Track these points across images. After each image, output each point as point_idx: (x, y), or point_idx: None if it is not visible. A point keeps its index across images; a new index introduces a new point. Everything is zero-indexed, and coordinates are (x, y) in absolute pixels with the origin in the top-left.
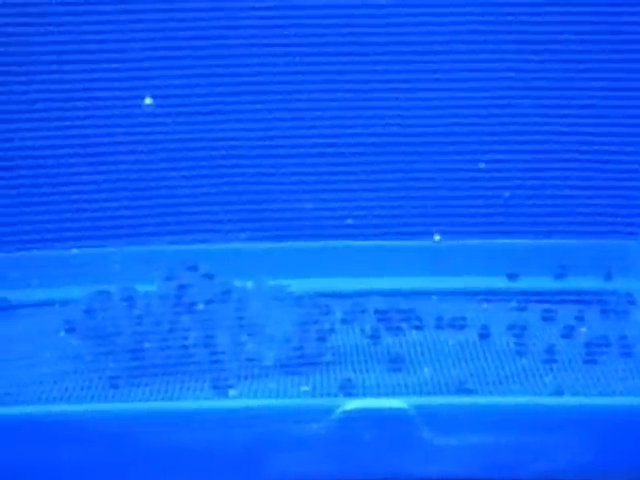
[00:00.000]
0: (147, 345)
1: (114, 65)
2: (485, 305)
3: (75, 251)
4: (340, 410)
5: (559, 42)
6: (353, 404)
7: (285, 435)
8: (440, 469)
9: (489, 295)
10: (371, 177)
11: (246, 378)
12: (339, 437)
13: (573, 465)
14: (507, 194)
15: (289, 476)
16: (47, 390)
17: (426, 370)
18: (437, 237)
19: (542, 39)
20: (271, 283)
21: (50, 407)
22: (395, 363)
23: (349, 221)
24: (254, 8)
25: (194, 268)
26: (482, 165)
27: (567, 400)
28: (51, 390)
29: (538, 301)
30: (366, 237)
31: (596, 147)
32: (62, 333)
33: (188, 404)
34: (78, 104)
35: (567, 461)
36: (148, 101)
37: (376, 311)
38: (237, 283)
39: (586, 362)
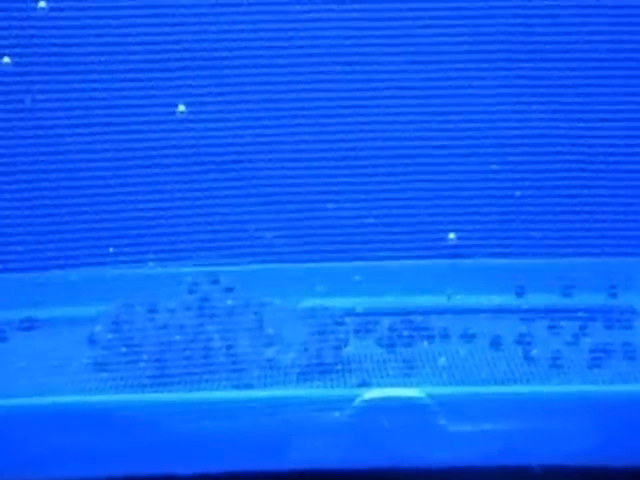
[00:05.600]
0: (171, 353)
1: (148, 74)
2: (494, 320)
3: (104, 270)
4: (360, 399)
5: (573, 50)
6: (373, 393)
7: (308, 423)
8: (455, 454)
9: (498, 310)
10: (381, 195)
11: (266, 384)
12: (359, 424)
13: (582, 450)
14: (509, 216)
15: (311, 462)
16: (77, 391)
17: (440, 373)
18: (452, 235)
19: (555, 43)
20: (288, 299)
21: (83, 397)
22: (409, 369)
23: (371, 220)
24: (286, 20)
25: (216, 282)
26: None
27: (575, 388)
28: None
29: (545, 316)
30: (376, 257)
31: (602, 167)
32: (89, 344)
33: (215, 394)
34: (111, 111)
35: (577, 446)
36: (181, 108)
37: (389, 325)
38: (256, 298)
39: (591, 367)
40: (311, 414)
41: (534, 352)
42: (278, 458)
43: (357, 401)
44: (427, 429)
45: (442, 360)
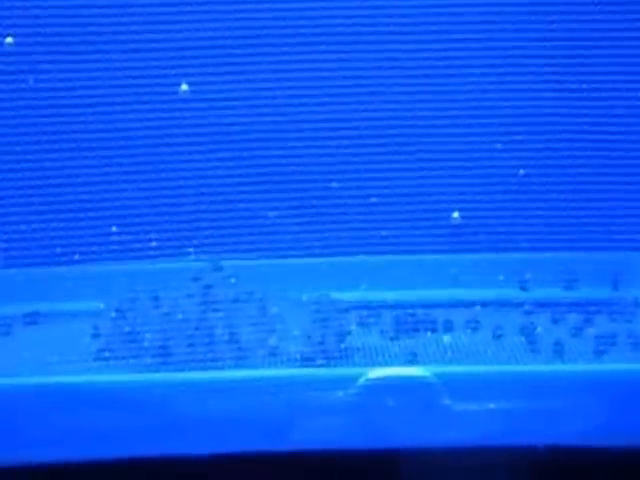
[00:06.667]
0: (174, 341)
1: (151, 53)
2: (498, 312)
3: (107, 261)
4: (365, 378)
5: (578, 29)
6: (377, 373)
7: (312, 402)
8: (460, 434)
9: (501, 304)
10: (384, 183)
11: (268, 368)
12: (364, 404)
13: (588, 429)
14: (516, 208)
15: (315, 441)
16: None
17: (444, 354)
18: (456, 214)
19: (560, 22)
20: (291, 290)
21: (87, 377)
22: (414, 357)
23: (373, 199)
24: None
25: (219, 273)
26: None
27: (581, 367)
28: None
29: (548, 308)
30: (380, 249)
31: (607, 160)
32: (93, 334)
33: (219, 374)
34: (114, 91)
35: (582, 426)
36: (184, 87)
37: (392, 317)
38: (259, 288)
39: (595, 352)
40: (315, 394)
41: (538, 343)
42: (281, 438)
43: (361, 381)
44: (432, 408)
45: (448, 340)
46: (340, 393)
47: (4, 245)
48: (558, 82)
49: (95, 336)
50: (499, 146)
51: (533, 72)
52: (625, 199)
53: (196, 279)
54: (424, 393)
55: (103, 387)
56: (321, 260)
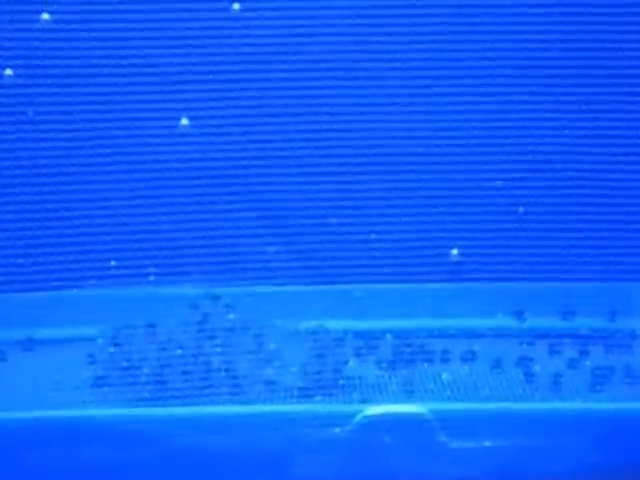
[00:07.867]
0: (170, 375)
1: (152, 87)
2: (495, 342)
3: (104, 290)
4: (362, 415)
5: (578, 66)
6: (374, 410)
7: (310, 438)
8: (456, 471)
9: (498, 333)
10: (383, 220)
11: (265, 403)
12: (361, 440)
13: (582, 467)
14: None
15: (312, 477)
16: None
17: (440, 391)
18: (455, 251)
19: (560, 59)
20: (288, 320)
21: (83, 411)
22: (410, 390)
23: (372, 236)
24: (287, 35)
25: (216, 303)
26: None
27: (576, 405)
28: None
29: (545, 338)
30: (377, 279)
31: (605, 193)
32: (89, 363)
33: (217, 409)
34: (113, 124)
35: (577, 463)
36: (184, 122)
37: (389, 347)
38: (256, 318)
39: (591, 390)
40: (312, 430)
41: (535, 375)
42: (279, 474)
43: (358, 417)
44: (428, 445)
45: (445, 375)
46: (337, 429)
47: (2, 279)
48: (558, 120)
49: (91, 365)
50: (499, 184)
51: (533, 110)
52: (623, 233)
53: (193, 312)
54: (421, 430)
55: (100, 421)
56: (318, 291)
